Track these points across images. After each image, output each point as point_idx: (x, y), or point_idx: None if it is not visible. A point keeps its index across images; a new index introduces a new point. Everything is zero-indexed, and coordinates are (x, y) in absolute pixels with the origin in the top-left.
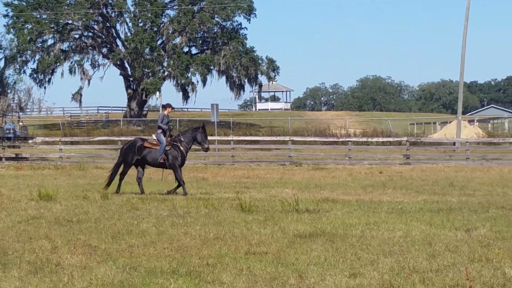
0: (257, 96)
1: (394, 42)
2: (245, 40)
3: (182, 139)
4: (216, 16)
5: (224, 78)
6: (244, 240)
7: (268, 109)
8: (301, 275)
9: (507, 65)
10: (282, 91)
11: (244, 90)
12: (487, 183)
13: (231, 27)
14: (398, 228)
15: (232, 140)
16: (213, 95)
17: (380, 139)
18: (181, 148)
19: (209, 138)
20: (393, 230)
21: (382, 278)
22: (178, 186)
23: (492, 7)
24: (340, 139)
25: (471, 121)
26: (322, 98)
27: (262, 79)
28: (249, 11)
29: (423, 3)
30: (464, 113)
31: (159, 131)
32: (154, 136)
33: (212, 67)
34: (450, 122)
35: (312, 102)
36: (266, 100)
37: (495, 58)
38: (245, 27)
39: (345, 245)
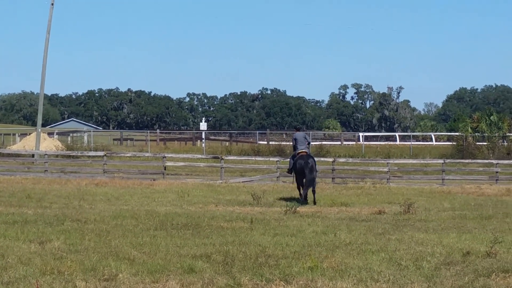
0: None
1: None
2: None
3: None
4: None
5: None
6: None
7: None
8: None
9: (88, 80)
10: None
11: None
12: (65, 195)
13: None
14: None
15: None
16: None
17: None
18: None
19: None
20: None
21: None
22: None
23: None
24: None
25: (51, 134)
26: None
27: None
28: None
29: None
30: (44, 125)
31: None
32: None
33: None
34: (30, 134)
35: None
36: None
37: (76, 72)
38: None
39: None
